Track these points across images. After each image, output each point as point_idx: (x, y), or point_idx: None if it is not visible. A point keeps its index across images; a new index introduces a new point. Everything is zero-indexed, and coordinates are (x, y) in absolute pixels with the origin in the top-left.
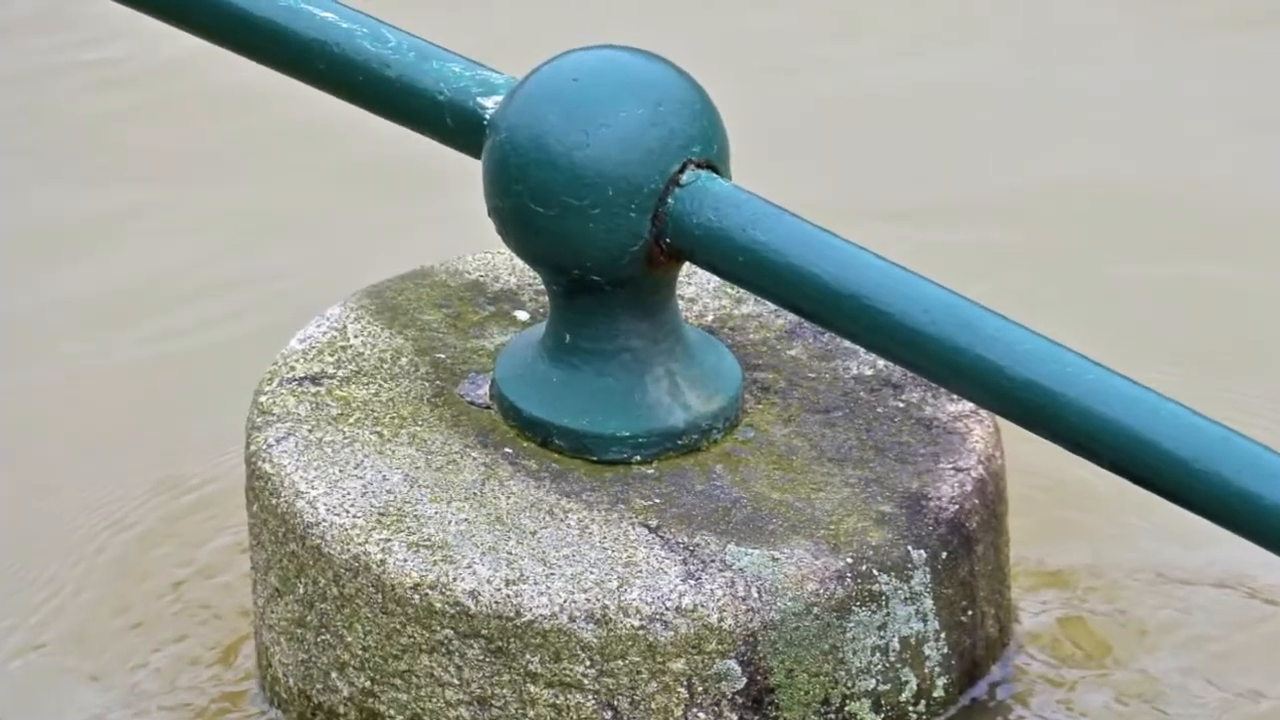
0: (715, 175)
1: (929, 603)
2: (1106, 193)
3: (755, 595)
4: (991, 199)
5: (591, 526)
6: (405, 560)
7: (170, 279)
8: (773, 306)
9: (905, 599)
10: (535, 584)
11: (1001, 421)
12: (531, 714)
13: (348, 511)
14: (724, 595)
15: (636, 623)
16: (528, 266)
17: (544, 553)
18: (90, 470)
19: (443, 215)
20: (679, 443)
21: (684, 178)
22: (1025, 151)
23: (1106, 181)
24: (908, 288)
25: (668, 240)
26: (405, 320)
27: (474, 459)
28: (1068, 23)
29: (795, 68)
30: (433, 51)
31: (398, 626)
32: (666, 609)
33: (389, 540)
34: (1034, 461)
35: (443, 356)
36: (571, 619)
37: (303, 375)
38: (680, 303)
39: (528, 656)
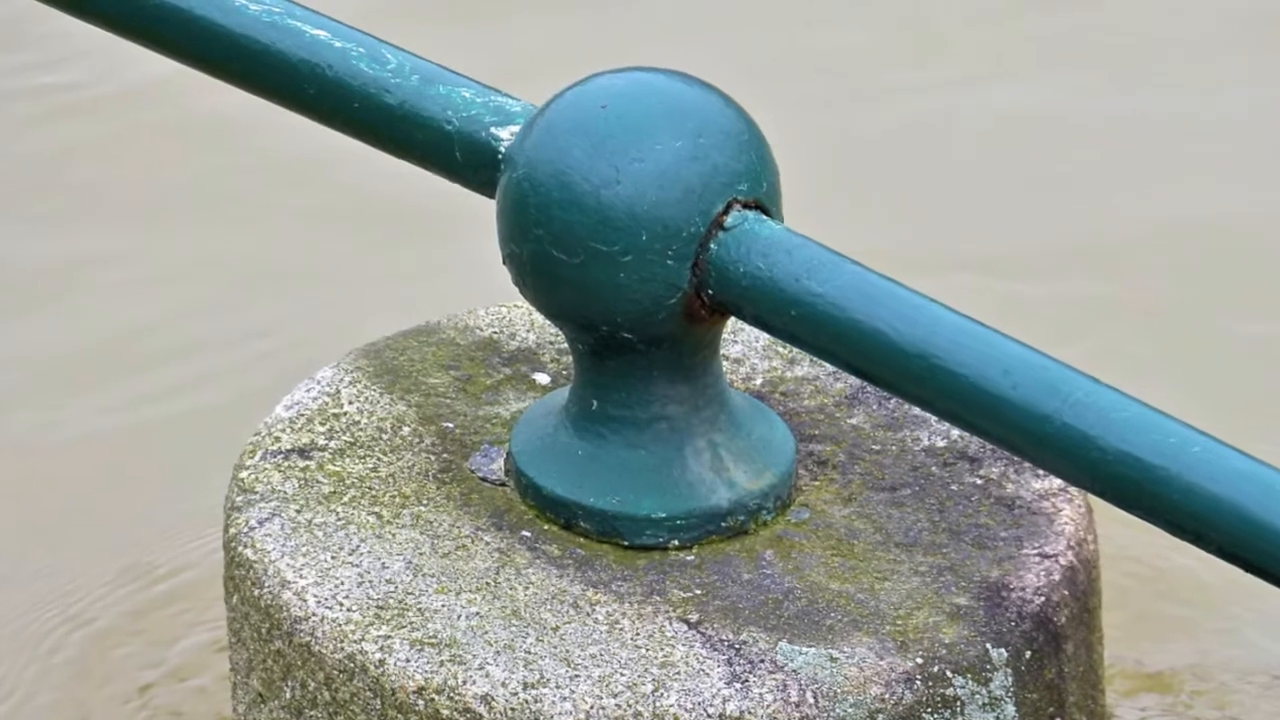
0: (764, 217)
1: (1011, 709)
2: (1217, 237)
3: (811, 700)
4: (1085, 245)
5: (622, 621)
6: (408, 660)
7: (137, 337)
8: (831, 368)
9: (983, 705)
10: (557, 687)
11: (1094, 500)
12: None
13: (341, 604)
14: (775, 700)
15: None
16: (549, 322)
17: (567, 651)
18: (44, 557)
19: (451, 263)
20: (723, 525)
21: (729, 220)
22: (1124, 190)
23: (1217, 224)
24: (986, 346)
25: (710, 292)
26: (408, 384)
27: (487, 543)
28: (1170, 40)
29: (859, 94)
30: (440, 74)
31: None
32: (709, 716)
33: (389, 637)
34: (1131, 546)
35: (451, 426)
36: None
37: (290, 447)
38: (725, 364)
39: None
